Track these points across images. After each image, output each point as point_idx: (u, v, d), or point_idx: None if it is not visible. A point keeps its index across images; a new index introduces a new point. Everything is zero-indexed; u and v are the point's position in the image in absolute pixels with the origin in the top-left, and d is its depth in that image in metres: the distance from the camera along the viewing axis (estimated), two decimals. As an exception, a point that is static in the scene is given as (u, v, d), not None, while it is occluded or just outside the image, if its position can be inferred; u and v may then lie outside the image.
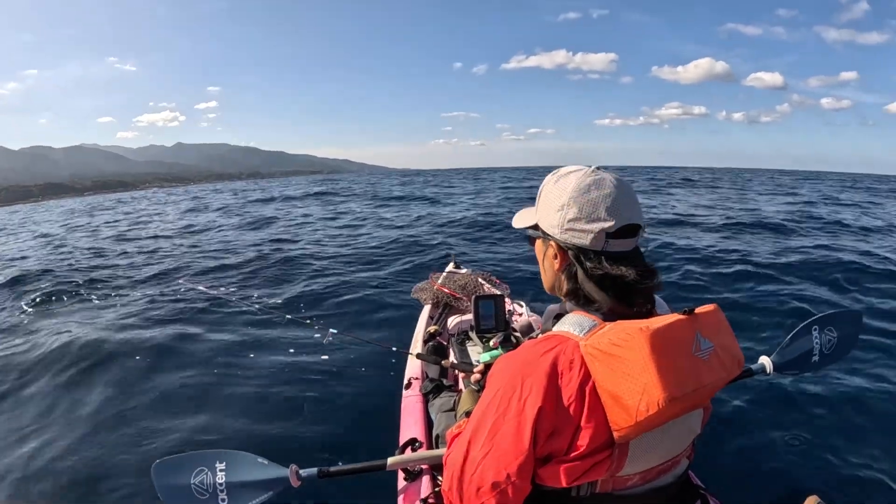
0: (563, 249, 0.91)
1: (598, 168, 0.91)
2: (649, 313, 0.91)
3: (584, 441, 0.79)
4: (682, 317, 0.79)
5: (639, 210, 0.90)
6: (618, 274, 0.85)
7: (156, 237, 11.62)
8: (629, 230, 0.87)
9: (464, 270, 3.54)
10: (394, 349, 2.27)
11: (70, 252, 9.98)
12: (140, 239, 11.50)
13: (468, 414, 1.32)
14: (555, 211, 0.90)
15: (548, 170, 0.97)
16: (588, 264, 0.87)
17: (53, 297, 6.41)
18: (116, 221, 16.52)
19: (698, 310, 0.82)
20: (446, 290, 2.98)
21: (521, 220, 1.02)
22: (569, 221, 0.88)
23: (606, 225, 0.85)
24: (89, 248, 10.28)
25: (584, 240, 0.87)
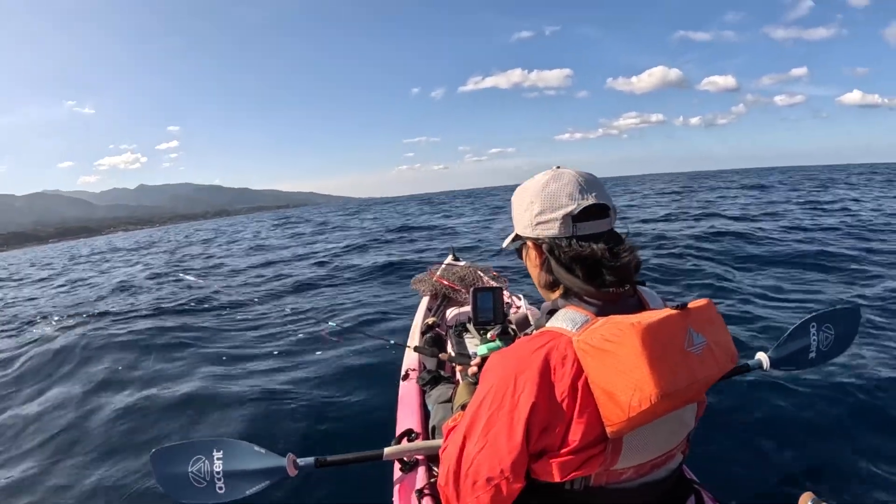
0: (538, 246, 0.94)
1: (558, 167, 0.96)
2: (639, 304, 0.92)
3: (576, 436, 0.79)
4: (674, 312, 0.79)
5: (604, 193, 0.92)
6: (587, 253, 0.87)
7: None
8: (597, 212, 0.90)
9: (462, 263, 3.54)
10: (391, 342, 2.27)
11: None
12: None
13: (464, 407, 1.33)
14: (523, 212, 0.95)
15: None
16: (559, 252, 0.89)
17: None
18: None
19: (691, 304, 0.83)
20: (445, 282, 2.98)
21: (506, 240, 1.06)
22: (535, 216, 0.92)
23: (569, 209, 0.88)
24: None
25: (553, 229, 0.90)
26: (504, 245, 1.06)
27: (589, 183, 0.91)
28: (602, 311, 0.85)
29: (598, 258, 0.86)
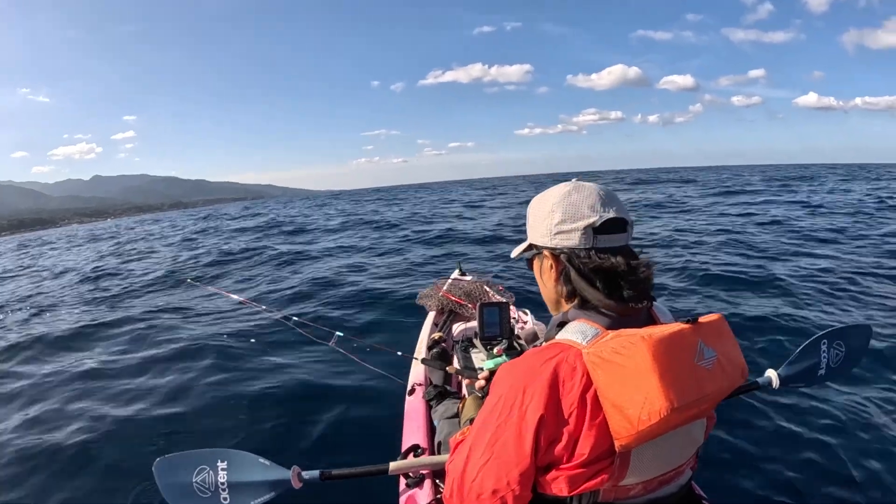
0: (555, 256, 0.93)
1: (577, 179, 0.96)
2: (649, 318, 0.92)
3: (585, 449, 0.78)
4: (685, 325, 0.79)
5: (623, 208, 0.92)
6: (608, 265, 0.86)
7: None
8: (616, 225, 0.90)
9: (469, 277, 3.55)
10: (398, 353, 2.27)
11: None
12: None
13: (472, 421, 1.33)
14: (541, 221, 0.94)
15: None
16: (579, 262, 0.89)
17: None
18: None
19: (702, 318, 0.82)
20: (452, 298, 2.98)
21: (517, 249, 1.06)
22: (556, 226, 0.91)
23: (590, 220, 0.88)
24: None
25: (573, 239, 0.89)
26: (515, 254, 1.05)
27: (609, 197, 0.92)
28: (613, 325, 0.85)
29: (618, 271, 0.86)
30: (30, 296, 8.57)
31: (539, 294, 1.03)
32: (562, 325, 0.90)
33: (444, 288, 3.13)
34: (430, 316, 3.00)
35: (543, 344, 0.90)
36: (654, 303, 0.94)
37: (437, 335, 2.46)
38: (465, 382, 1.98)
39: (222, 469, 1.28)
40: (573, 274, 0.90)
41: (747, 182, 25.43)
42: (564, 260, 0.91)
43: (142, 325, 5.48)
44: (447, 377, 2.11)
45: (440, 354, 2.20)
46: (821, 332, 1.65)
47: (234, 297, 3.47)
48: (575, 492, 0.82)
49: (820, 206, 12.76)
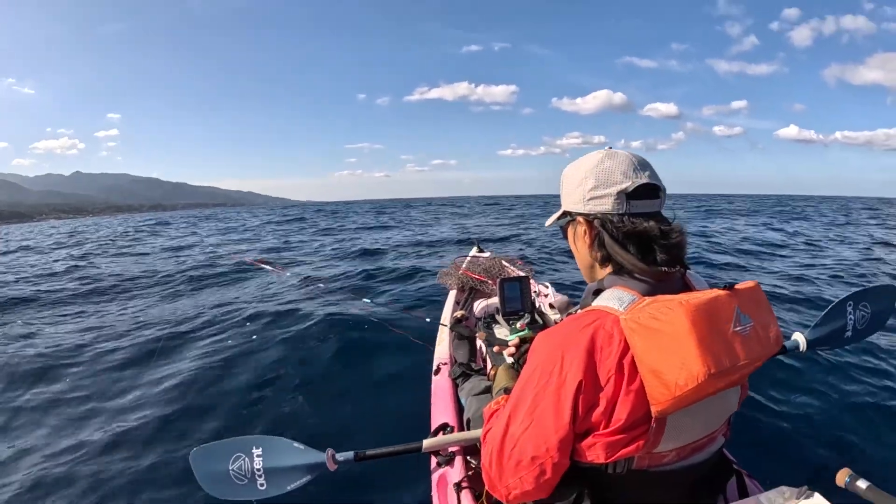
0: (589, 221, 0.93)
1: (610, 147, 0.96)
2: (684, 286, 0.91)
3: (622, 415, 0.78)
4: (722, 292, 0.78)
5: (656, 174, 0.92)
6: (641, 229, 0.87)
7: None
8: (649, 191, 0.90)
9: (487, 254, 3.53)
10: (427, 320, 2.27)
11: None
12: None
13: (506, 390, 1.33)
14: (575, 187, 0.95)
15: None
16: (612, 227, 0.89)
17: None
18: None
19: (738, 286, 0.81)
20: (471, 275, 2.98)
21: (551, 218, 1.06)
22: (589, 192, 0.92)
23: (623, 186, 0.88)
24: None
25: (607, 205, 0.90)
26: (549, 222, 1.05)
27: (642, 163, 0.92)
28: (649, 291, 0.84)
29: (651, 235, 0.86)
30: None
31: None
32: (597, 292, 0.90)
33: (464, 266, 3.12)
34: (452, 294, 3.00)
35: (579, 311, 0.89)
36: (688, 270, 0.93)
37: (459, 313, 2.46)
38: (489, 359, 1.99)
39: (258, 455, 1.31)
40: (607, 239, 0.90)
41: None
42: (598, 225, 0.92)
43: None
44: (472, 355, 2.11)
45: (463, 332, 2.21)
46: (846, 295, 1.62)
47: (268, 267, 3.39)
48: (611, 458, 0.81)
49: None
